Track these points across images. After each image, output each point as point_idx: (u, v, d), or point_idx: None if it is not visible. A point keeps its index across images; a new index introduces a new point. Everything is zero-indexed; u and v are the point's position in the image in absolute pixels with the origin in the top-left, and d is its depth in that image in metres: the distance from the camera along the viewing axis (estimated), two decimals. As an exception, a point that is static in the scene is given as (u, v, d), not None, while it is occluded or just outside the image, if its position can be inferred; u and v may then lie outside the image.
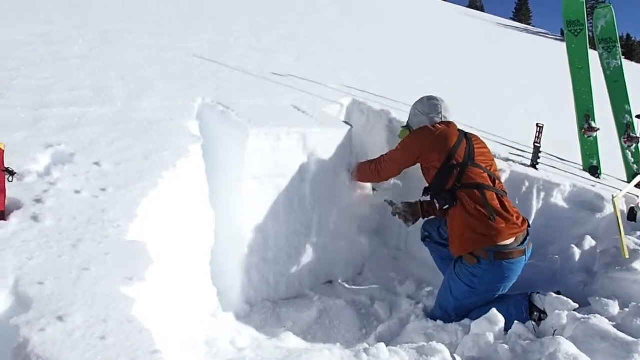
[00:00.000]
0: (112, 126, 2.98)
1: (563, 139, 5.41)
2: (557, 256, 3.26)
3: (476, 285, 2.80)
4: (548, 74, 11.78)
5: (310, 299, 3.41)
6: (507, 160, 3.96)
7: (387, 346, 2.26)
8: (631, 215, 3.49)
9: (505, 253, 2.74)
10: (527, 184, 3.60)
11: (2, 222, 2.01)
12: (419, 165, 3.18)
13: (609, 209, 3.52)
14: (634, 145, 4.75)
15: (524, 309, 2.77)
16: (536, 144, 4.29)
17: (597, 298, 2.68)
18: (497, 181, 3.00)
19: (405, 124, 3.47)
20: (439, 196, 2.96)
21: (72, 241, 1.95)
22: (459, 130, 3.15)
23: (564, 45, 5.12)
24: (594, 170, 4.91)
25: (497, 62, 12.96)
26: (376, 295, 3.49)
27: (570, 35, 4.86)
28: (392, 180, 3.71)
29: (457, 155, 2.95)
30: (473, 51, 13.65)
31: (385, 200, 3.53)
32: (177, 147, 2.86)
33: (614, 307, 2.61)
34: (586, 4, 4.85)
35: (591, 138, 4.95)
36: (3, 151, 2.21)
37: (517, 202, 3.47)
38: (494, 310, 2.47)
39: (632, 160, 4.90)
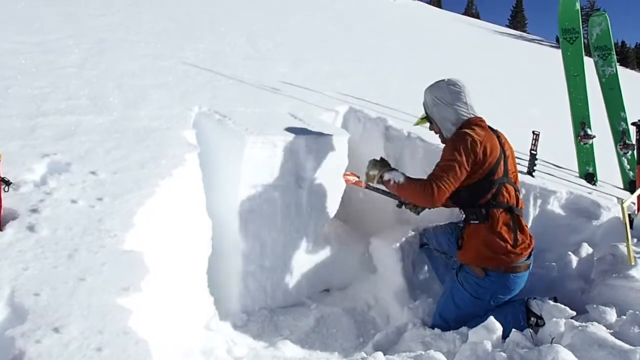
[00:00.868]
0: (109, 135, 2.97)
1: (559, 146, 5.42)
2: (554, 263, 3.26)
3: (481, 296, 2.79)
4: (544, 81, 11.83)
5: (307, 307, 3.40)
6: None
7: (384, 354, 2.25)
8: (629, 222, 3.49)
9: (514, 267, 2.76)
10: (523, 191, 3.60)
11: (-2, 232, 2.00)
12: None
13: (605, 216, 3.53)
14: (630, 152, 4.77)
15: (521, 315, 2.78)
16: (532, 152, 4.30)
17: (595, 305, 2.68)
18: (520, 199, 2.93)
19: (424, 115, 3.07)
20: (470, 210, 2.85)
21: (69, 251, 1.95)
22: (492, 130, 2.92)
23: (559, 52, 5.15)
24: (590, 177, 4.93)
25: (492, 69, 13.01)
26: (373, 304, 3.48)
27: (566, 42, 4.89)
28: None
29: (498, 170, 2.79)
30: (469, 58, 13.70)
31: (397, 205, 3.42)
32: (174, 156, 2.86)
33: (612, 315, 2.61)
34: (581, 12, 4.88)
35: (587, 145, 4.97)
36: (-1, 161, 2.21)
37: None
38: (491, 318, 2.47)
39: (628, 167, 4.92)
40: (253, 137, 3.05)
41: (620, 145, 4.85)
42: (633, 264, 2.82)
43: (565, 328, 2.38)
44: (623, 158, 4.97)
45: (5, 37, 4.45)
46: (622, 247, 2.94)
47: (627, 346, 2.09)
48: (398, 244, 3.40)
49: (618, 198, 3.24)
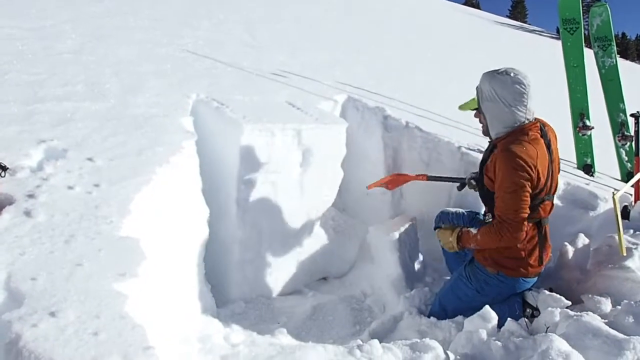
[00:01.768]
0: (106, 122, 2.96)
1: (557, 137, 5.41)
2: (550, 254, 3.27)
3: (486, 292, 2.78)
4: (543, 72, 11.80)
5: (304, 295, 3.41)
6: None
7: (380, 342, 2.26)
8: (624, 213, 3.50)
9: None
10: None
11: (-6, 217, 2.00)
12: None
13: (602, 207, 3.54)
14: (628, 143, 4.77)
15: (517, 306, 2.79)
16: (530, 142, 4.29)
17: (590, 295, 2.70)
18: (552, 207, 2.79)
19: (475, 99, 2.73)
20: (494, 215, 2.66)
21: (65, 237, 1.95)
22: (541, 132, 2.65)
23: (559, 43, 5.13)
24: (588, 169, 4.93)
25: (492, 60, 12.96)
26: (370, 292, 3.49)
27: (566, 33, 4.87)
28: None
29: (544, 189, 2.61)
30: (469, 48, 13.65)
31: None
32: (171, 143, 2.85)
33: (607, 305, 2.62)
34: (582, 2, 4.86)
35: (585, 136, 4.97)
36: (-5, 146, 2.20)
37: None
38: (486, 308, 2.47)
39: (626, 158, 4.92)
40: (251, 125, 3.04)
41: (618, 136, 4.85)
42: (624, 254, 2.83)
43: (560, 317, 2.39)
44: (621, 149, 4.97)
45: (1, 22, 4.42)
46: (624, 238, 2.95)
47: (621, 335, 2.11)
48: (396, 234, 3.41)
49: (614, 190, 3.24)
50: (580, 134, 4.95)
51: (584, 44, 4.88)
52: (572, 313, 2.36)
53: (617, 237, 2.93)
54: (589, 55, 4.86)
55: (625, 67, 7.20)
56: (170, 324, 2.10)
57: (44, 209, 2.08)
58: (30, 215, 2.03)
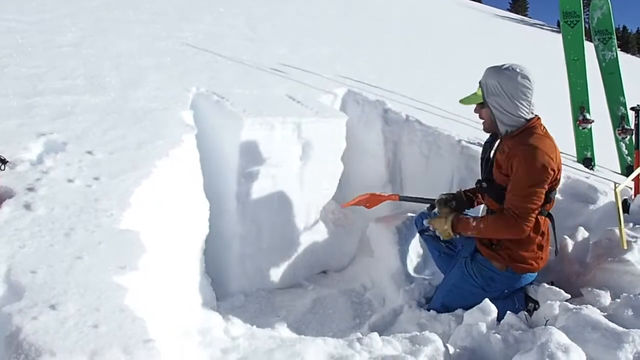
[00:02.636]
0: (106, 115, 2.96)
1: (558, 131, 5.40)
2: (550, 247, 3.27)
3: (492, 289, 2.75)
4: (544, 66, 11.78)
5: (304, 289, 3.42)
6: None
7: (380, 336, 2.27)
8: (624, 206, 3.50)
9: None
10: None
11: (-5, 210, 2.00)
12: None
13: (602, 201, 3.54)
14: (628, 137, 4.77)
15: (517, 299, 2.79)
16: (531, 136, 4.29)
17: (589, 289, 2.70)
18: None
19: (479, 96, 2.69)
20: None
21: (65, 230, 1.95)
22: None
23: (560, 36, 5.12)
24: (588, 162, 4.93)
25: (493, 54, 12.93)
26: (370, 286, 3.50)
27: (566, 26, 4.86)
28: None
29: (557, 182, 2.63)
30: (469, 42, 13.61)
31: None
32: (171, 136, 2.85)
33: (606, 298, 2.62)
34: (582, -5, 4.85)
35: (586, 130, 4.97)
36: (-5, 139, 2.20)
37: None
38: (486, 301, 2.47)
39: (626, 152, 4.92)
40: (251, 118, 3.04)
41: (618, 130, 4.85)
42: (626, 247, 2.83)
43: (559, 310, 2.40)
44: (621, 143, 4.97)
45: (1, 15, 4.41)
46: (618, 232, 2.95)
47: (620, 328, 2.11)
48: (395, 228, 3.41)
49: (615, 183, 3.24)
50: (581, 128, 4.95)
51: (584, 37, 4.87)
52: (571, 306, 2.37)
53: (617, 230, 2.93)
54: (589, 48, 4.85)
55: (625, 61, 7.19)
56: (170, 317, 2.10)
57: (44, 202, 2.09)
58: (30, 209, 2.03)
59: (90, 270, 1.75)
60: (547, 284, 2.81)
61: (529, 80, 2.54)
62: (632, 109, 4.43)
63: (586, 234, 3.26)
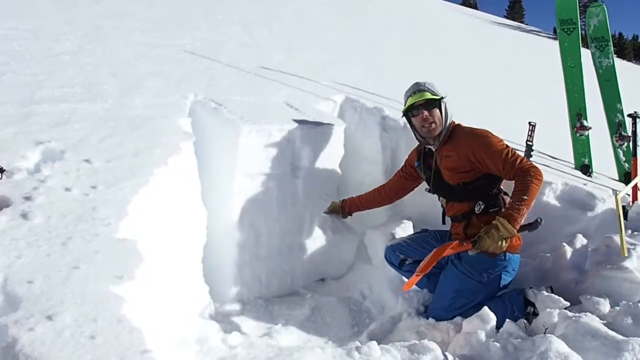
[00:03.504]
0: (103, 123, 2.96)
1: (555, 138, 5.43)
2: (548, 254, 3.27)
3: (489, 280, 2.77)
4: (541, 73, 11.82)
5: (302, 297, 3.40)
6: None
7: (379, 344, 2.26)
8: (623, 214, 3.50)
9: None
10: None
11: (-9, 219, 1.99)
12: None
13: (600, 208, 3.54)
14: (625, 143, 4.78)
15: (516, 307, 2.78)
16: (528, 143, 4.31)
17: (588, 296, 2.69)
18: None
19: (436, 95, 2.97)
20: (486, 199, 2.84)
21: (62, 239, 1.94)
22: None
23: (556, 43, 5.14)
24: (585, 169, 4.93)
25: (490, 60, 12.97)
26: (368, 293, 3.49)
27: (563, 33, 4.88)
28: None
29: None
30: (466, 49, 13.66)
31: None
32: (169, 144, 2.85)
33: (605, 306, 2.62)
34: (579, 3, 4.86)
35: (583, 136, 4.97)
36: (-8, 148, 2.19)
37: (509, 200, 3.48)
38: (485, 309, 2.48)
39: (624, 158, 4.92)
40: (248, 125, 3.04)
41: (616, 136, 4.86)
42: (626, 255, 2.83)
43: (558, 318, 2.39)
44: (619, 150, 4.97)
45: (-1, 23, 4.41)
46: (617, 239, 2.95)
47: (619, 337, 2.11)
48: (392, 235, 3.41)
49: (613, 190, 3.24)
50: (578, 134, 4.96)
51: (581, 44, 4.88)
52: (570, 314, 2.36)
53: (615, 237, 2.93)
54: (586, 55, 4.87)
55: (622, 67, 7.21)
56: (167, 327, 2.09)
57: (41, 211, 2.08)
58: (27, 218, 2.02)
59: (88, 280, 1.74)
60: (546, 290, 2.81)
61: None
62: (629, 115, 4.45)
63: (585, 241, 3.26)
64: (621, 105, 4.91)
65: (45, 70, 3.58)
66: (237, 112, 3.19)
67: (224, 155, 3.12)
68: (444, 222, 3.16)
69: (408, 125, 3.19)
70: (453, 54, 11.51)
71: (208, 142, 3.17)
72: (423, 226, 3.51)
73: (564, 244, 3.24)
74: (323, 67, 5.87)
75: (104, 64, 4.02)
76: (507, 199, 2.80)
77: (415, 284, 2.94)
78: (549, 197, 3.63)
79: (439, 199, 3.13)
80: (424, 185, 3.48)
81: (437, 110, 2.91)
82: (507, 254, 2.77)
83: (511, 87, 9.31)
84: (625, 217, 3.50)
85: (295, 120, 3.32)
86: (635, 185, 3.86)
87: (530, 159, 4.19)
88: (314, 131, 3.35)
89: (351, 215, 3.53)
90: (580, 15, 4.88)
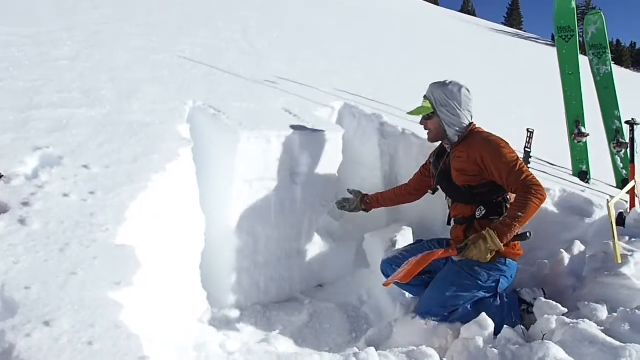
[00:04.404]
0: (102, 129, 2.96)
1: (553, 144, 5.44)
2: (546, 261, 3.27)
3: (486, 282, 2.78)
4: (539, 80, 11.86)
5: (300, 303, 3.40)
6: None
7: (377, 350, 2.26)
8: (620, 220, 3.51)
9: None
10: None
11: (-11, 225, 1.99)
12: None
13: (598, 214, 3.55)
14: (623, 150, 4.79)
15: (512, 309, 2.79)
16: (526, 149, 4.32)
17: (586, 303, 2.69)
18: None
19: (430, 107, 2.98)
20: (485, 206, 2.84)
21: (60, 245, 1.93)
22: None
23: (554, 50, 5.16)
24: (583, 176, 4.94)
25: (488, 67, 13.02)
26: (366, 299, 3.48)
27: (561, 41, 4.90)
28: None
29: None
30: (465, 56, 13.71)
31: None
32: (167, 150, 2.85)
33: (603, 312, 2.62)
34: (577, 10, 4.89)
35: (581, 143, 4.99)
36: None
37: (507, 207, 3.48)
38: (483, 315, 2.48)
39: (621, 165, 4.93)
40: (247, 132, 3.04)
41: (613, 143, 4.87)
42: (620, 261, 2.83)
43: (556, 325, 2.39)
44: (616, 156, 4.98)
45: (-2, 29, 4.42)
46: (619, 245, 2.96)
47: (617, 343, 2.11)
48: (391, 240, 3.41)
49: (610, 196, 3.25)
50: (576, 141, 4.97)
51: (579, 52, 4.91)
52: (568, 320, 2.36)
53: (612, 244, 2.93)
54: (584, 62, 4.89)
55: (620, 75, 7.24)
56: (165, 333, 2.09)
57: (39, 217, 2.07)
58: (25, 223, 2.02)
59: (85, 286, 1.74)
60: (538, 290, 2.84)
61: (469, 92, 2.96)
62: (627, 122, 4.46)
63: (582, 248, 3.27)
64: (619, 112, 4.93)
65: (43, 76, 3.58)
66: (236, 119, 3.20)
67: (222, 161, 3.12)
68: (449, 223, 3.14)
69: (406, 132, 3.23)
70: (452, 61, 11.55)
71: (207, 148, 3.18)
72: (423, 232, 3.52)
73: (562, 250, 3.24)
74: (322, 74, 5.89)
75: (102, 69, 4.03)
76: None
77: (408, 291, 3.08)
78: (547, 203, 3.64)
79: (445, 198, 3.14)
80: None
81: (435, 119, 2.99)
82: (507, 259, 2.79)
83: (509, 94, 9.34)
84: (623, 224, 3.51)
85: (294, 127, 3.33)
86: (633, 192, 3.86)
87: (529, 165, 4.20)
88: (313, 137, 3.35)
89: (367, 210, 3.54)
90: (578, 23, 4.90)
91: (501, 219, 2.62)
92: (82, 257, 1.89)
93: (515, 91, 10.02)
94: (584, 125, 4.94)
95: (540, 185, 2.58)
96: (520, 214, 2.53)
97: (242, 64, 5.37)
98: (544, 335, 2.38)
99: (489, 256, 2.56)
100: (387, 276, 3.08)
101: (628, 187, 3.71)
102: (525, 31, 48.08)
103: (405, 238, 3.51)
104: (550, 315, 2.52)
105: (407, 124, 4.21)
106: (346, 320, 3.27)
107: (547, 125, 6.04)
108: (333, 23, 12.11)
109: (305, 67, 6.08)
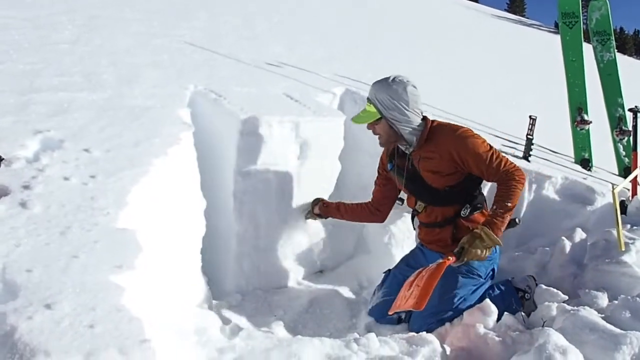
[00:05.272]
0: (102, 112, 2.94)
1: (555, 131, 5.42)
2: (547, 248, 3.28)
3: (486, 274, 2.79)
4: (542, 66, 11.80)
5: (301, 288, 3.41)
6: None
7: (377, 336, 2.26)
8: (622, 208, 3.51)
9: None
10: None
11: (-10, 208, 1.98)
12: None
13: (600, 202, 3.55)
14: (626, 138, 4.78)
15: (513, 296, 2.81)
16: (529, 136, 4.30)
17: (587, 290, 2.70)
18: None
19: (376, 112, 2.76)
20: (471, 200, 2.76)
21: (61, 229, 1.93)
22: None
23: (558, 37, 5.12)
24: (585, 163, 4.94)
25: (491, 54, 12.95)
26: (366, 285, 3.49)
27: (565, 27, 4.86)
28: None
29: None
30: (467, 42, 13.63)
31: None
32: (169, 134, 2.83)
33: (603, 300, 2.63)
34: (581, -4, 4.86)
35: (583, 131, 4.98)
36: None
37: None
38: (487, 301, 2.48)
39: (624, 153, 4.93)
40: (248, 116, 3.02)
41: (616, 131, 4.86)
42: (623, 249, 2.84)
43: (557, 312, 2.40)
44: (619, 144, 4.98)
45: (-3, 11, 4.38)
46: (615, 233, 2.96)
47: (617, 330, 2.11)
48: (392, 226, 3.40)
49: (613, 184, 3.25)
50: (578, 129, 4.96)
51: (582, 38, 4.87)
52: (568, 307, 2.37)
53: (614, 231, 2.93)
54: (587, 49, 4.86)
55: (623, 62, 7.20)
56: (166, 317, 2.09)
57: (40, 200, 2.07)
58: (26, 207, 2.01)
59: (87, 270, 1.73)
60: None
61: (416, 88, 2.72)
62: (629, 110, 4.45)
63: (584, 235, 3.27)
64: (622, 99, 4.92)
65: (43, 59, 3.56)
66: (237, 103, 3.18)
67: (223, 146, 3.11)
68: (415, 227, 3.09)
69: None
70: (453, 47, 11.48)
71: (208, 133, 3.16)
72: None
73: (563, 238, 3.24)
74: (323, 59, 5.86)
75: (102, 53, 4.00)
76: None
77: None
78: (549, 191, 3.64)
79: (414, 204, 2.96)
80: None
81: (383, 123, 2.76)
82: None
83: (512, 81, 9.30)
84: (625, 212, 3.51)
85: (295, 112, 3.31)
86: (635, 180, 3.86)
87: (531, 152, 4.19)
88: (314, 123, 3.33)
89: (324, 216, 3.31)
90: (582, 9, 4.86)
91: (490, 212, 2.58)
92: (84, 240, 1.89)
93: (518, 78, 9.97)
94: (586, 113, 4.93)
95: (518, 169, 2.59)
96: (508, 203, 2.51)
97: (243, 49, 5.34)
98: (544, 322, 2.40)
99: (488, 253, 2.51)
100: (378, 320, 2.94)
101: (633, 176, 3.71)
102: (528, 18, 47.75)
103: (406, 225, 3.51)
104: (550, 302, 2.53)
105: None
106: (347, 306, 3.27)
107: (550, 113, 6.02)
108: (332, 9, 12.01)
109: (305, 53, 6.04)
